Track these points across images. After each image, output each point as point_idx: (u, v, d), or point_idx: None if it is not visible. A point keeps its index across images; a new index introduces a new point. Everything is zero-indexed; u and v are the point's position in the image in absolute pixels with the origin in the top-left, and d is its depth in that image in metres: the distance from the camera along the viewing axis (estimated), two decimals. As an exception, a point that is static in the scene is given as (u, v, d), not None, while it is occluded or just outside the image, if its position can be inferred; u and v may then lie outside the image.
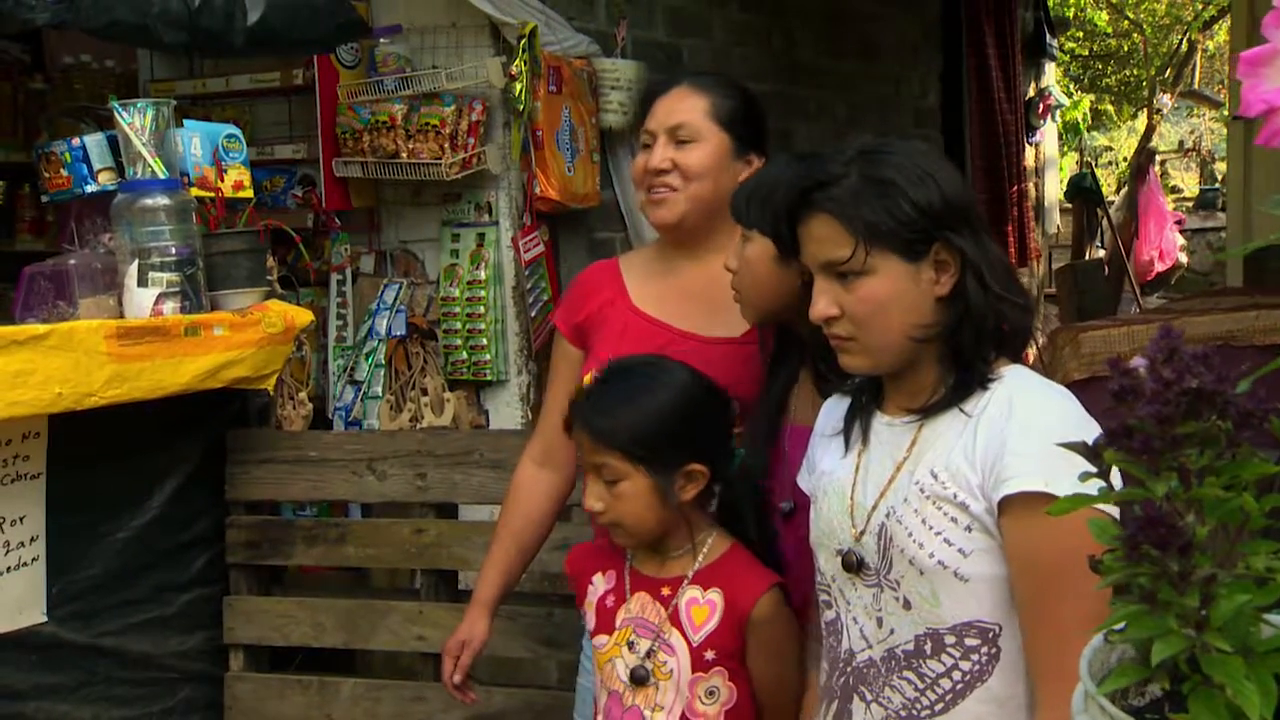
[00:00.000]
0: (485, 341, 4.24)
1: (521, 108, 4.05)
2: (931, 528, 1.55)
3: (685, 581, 1.93)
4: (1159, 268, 9.11)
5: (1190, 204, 14.26)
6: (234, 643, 3.26)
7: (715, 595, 1.91)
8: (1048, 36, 8.53)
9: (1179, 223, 10.00)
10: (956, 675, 1.56)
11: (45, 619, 2.95)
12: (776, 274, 1.93)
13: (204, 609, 3.26)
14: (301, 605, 3.22)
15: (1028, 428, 1.51)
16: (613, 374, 1.98)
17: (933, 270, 1.59)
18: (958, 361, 1.61)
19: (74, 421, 2.87)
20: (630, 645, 1.94)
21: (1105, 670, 0.82)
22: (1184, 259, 9.70)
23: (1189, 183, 17.53)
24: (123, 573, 3.11)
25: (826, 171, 1.61)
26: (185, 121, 3.27)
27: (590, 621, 2.04)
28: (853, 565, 1.64)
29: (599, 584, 2.03)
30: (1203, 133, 19.07)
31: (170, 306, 3.04)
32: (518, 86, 4.01)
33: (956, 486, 1.55)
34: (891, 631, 1.61)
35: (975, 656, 1.56)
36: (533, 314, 4.26)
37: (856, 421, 1.72)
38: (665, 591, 1.94)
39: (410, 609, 3.12)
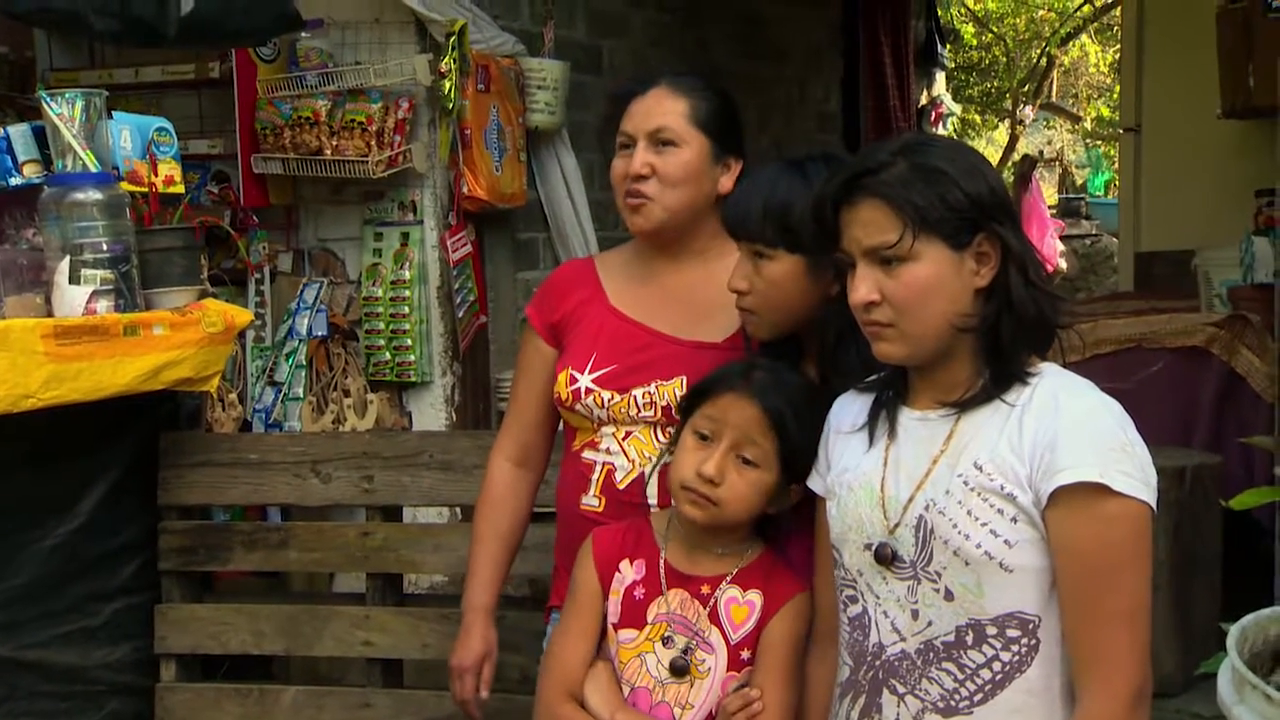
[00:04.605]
0: (410, 342, 4.18)
1: (451, 106, 4.01)
2: (977, 519, 1.58)
3: (726, 580, 1.93)
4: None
5: (1052, 212, 14.74)
6: (166, 652, 3.14)
7: (755, 596, 1.92)
8: (939, 46, 8.77)
9: (1059, 229, 10.34)
10: (997, 666, 1.59)
11: (-34, 633, 2.82)
12: (804, 290, 1.92)
13: (133, 618, 3.14)
14: (240, 612, 3.13)
15: (1080, 422, 1.56)
16: (780, 366, 1.95)
17: (974, 261, 1.62)
18: (994, 355, 1.64)
19: (-3, 425, 2.75)
20: (665, 641, 1.92)
21: (1249, 655, 0.84)
22: (1064, 264, 10.06)
23: (1046, 192, 18.14)
24: (49, 582, 2.98)
25: (875, 159, 1.63)
26: (114, 114, 3.15)
27: (614, 614, 1.98)
28: (886, 558, 1.66)
29: (626, 573, 1.98)
30: (1062, 145, 19.75)
31: (104, 305, 2.93)
32: (447, 84, 3.97)
33: (1003, 478, 1.58)
34: (929, 623, 1.63)
35: (1015, 647, 1.59)
36: (459, 315, 4.21)
37: (881, 416, 1.73)
38: (705, 590, 1.93)
39: (356, 614, 3.05)
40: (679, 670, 1.90)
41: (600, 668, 1.97)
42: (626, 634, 1.96)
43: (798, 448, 1.88)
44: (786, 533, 1.98)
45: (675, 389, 2.10)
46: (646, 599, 1.96)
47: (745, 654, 1.91)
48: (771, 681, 1.89)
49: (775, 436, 1.86)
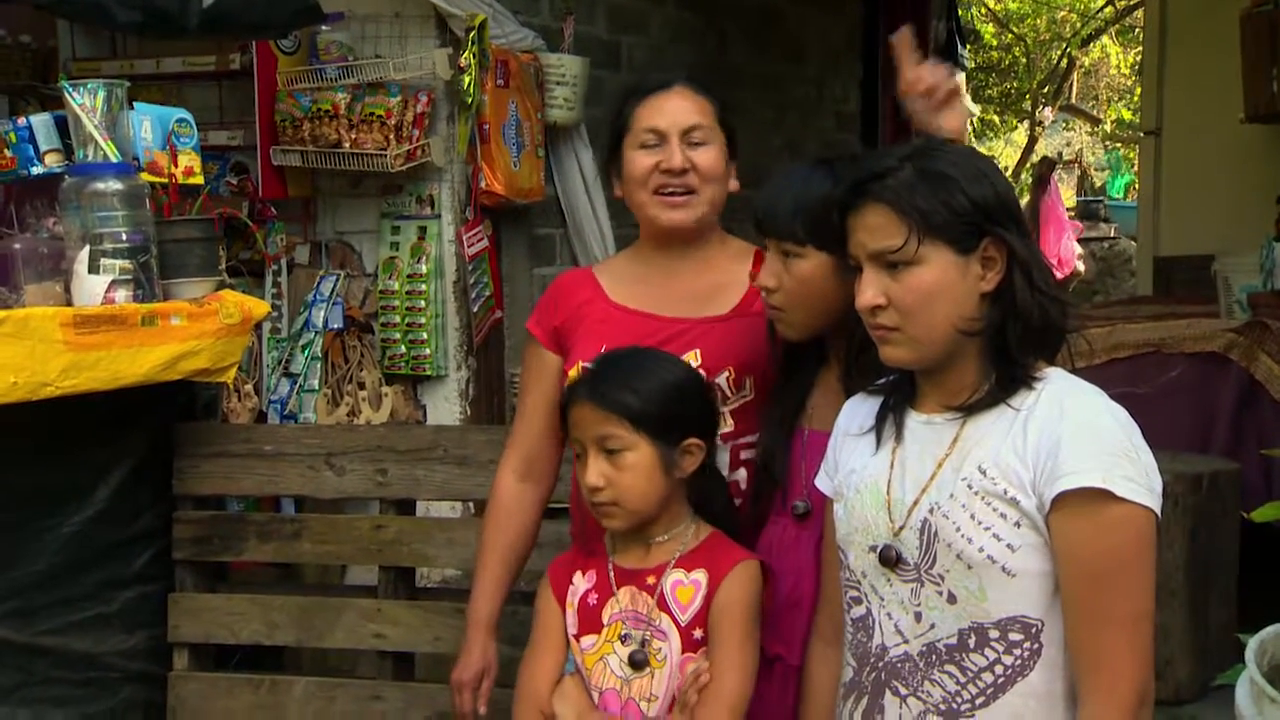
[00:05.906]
0: (425, 336, 4.19)
1: (470, 100, 4.01)
2: (980, 523, 1.58)
3: (669, 566, 1.96)
4: (1058, 275, 9.40)
5: (1070, 214, 14.71)
6: (179, 641, 3.16)
7: (700, 575, 1.94)
8: (959, 46, 8.74)
9: (1077, 231, 10.33)
10: (999, 669, 1.60)
11: (-16, 618, 2.83)
12: (833, 289, 1.91)
13: (146, 606, 3.16)
14: (253, 602, 3.14)
15: (1083, 427, 1.56)
16: (612, 355, 2.03)
17: (980, 266, 1.62)
18: (1000, 359, 1.64)
19: (15, 412, 2.76)
20: (623, 639, 1.95)
21: (1268, 667, 0.84)
22: (1081, 267, 10.04)
23: (1065, 194, 18.09)
24: (64, 569, 3.00)
25: (881, 165, 1.63)
26: (135, 104, 3.16)
27: (572, 624, 2.01)
28: (890, 560, 1.66)
29: (579, 583, 2.02)
30: (1081, 147, 19.68)
31: (123, 295, 2.95)
32: (467, 79, 3.98)
33: (1007, 482, 1.58)
34: (932, 626, 1.63)
35: (1018, 651, 1.59)
36: (474, 309, 4.22)
37: (889, 419, 1.74)
38: (650, 580, 1.96)
39: (368, 606, 3.05)
40: (638, 664, 1.93)
41: (567, 681, 2.00)
42: (587, 640, 1.99)
43: (653, 412, 1.92)
44: (728, 508, 2.03)
45: (690, 361, 2.11)
46: (600, 603, 1.99)
47: (698, 633, 1.93)
48: (725, 645, 1.90)
49: (621, 418, 1.90)
